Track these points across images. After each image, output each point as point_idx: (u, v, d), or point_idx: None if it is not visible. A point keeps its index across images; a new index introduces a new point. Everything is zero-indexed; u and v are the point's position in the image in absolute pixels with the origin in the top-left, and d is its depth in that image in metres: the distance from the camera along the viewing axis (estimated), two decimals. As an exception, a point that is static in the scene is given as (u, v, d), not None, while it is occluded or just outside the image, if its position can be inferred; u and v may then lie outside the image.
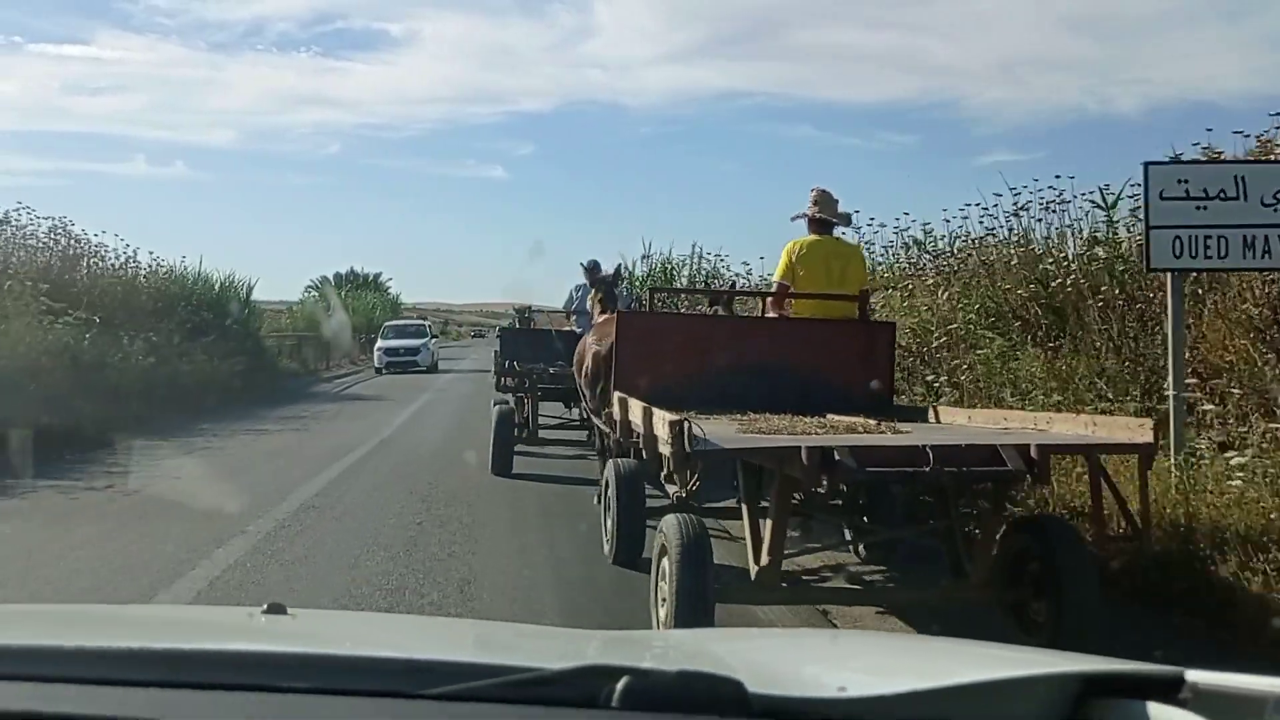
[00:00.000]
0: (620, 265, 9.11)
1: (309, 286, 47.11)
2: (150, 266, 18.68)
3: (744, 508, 4.30)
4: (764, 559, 3.91)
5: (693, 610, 3.63)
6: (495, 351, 10.88)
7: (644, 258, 21.78)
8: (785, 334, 5.93)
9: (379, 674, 1.22)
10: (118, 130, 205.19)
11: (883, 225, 11.63)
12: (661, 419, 3.97)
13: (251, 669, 1.24)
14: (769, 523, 3.94)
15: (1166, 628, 4.24)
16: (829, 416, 4.84)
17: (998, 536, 4.14)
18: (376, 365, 27.75)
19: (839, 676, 1.26)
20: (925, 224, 11.10)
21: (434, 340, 30.75)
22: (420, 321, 34.55)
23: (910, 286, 10.21)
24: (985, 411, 5.38)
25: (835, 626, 4.40)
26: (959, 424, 5.04)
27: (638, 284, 22.05)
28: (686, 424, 3.60)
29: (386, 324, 32.44)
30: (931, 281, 10.28)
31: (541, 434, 9.77)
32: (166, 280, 19.06)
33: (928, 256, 11.27)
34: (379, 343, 28.99)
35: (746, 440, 4.04)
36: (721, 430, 4.15)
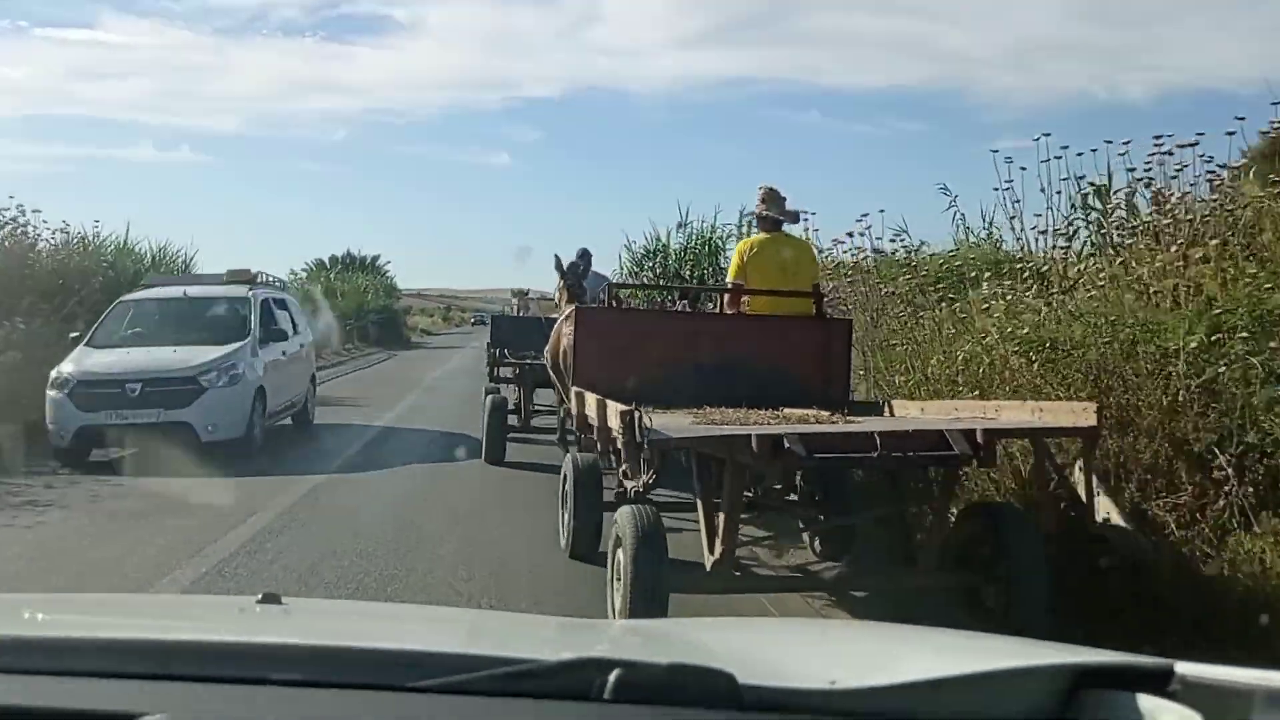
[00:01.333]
0: (589, 254, 9.08)
1: (293, 271, 42.69)
2: (52, 234, 14.44)
3: (699, 500, 4.27)
4: (718, 549, 3.93)
5: (646, 600, 3.63)
6: (487, 341, 10.69)
7: (680, 226, 17.62)
8: (743, 331, 5.98)
9: (371, 666, 1.19)
10: (124, 116, 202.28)
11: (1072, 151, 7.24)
12: (614, 409, 4.00)
13: (243, 661, 1.20)
14: (722, 514, 3.93)
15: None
16: (784, 411, 4.75)
17: (949, 523, 4.21)
18: (52, 429, 9.25)
19: (829, 668, 1.24)
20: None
21: (298, 346, 11.84)
22: (219, 291, 11.06)
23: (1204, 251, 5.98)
24: (937, 403, 5.34)
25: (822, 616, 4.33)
26: (912, 416, 5.06)
27: (672, 259, 18.02)
28: (637, 413, 3.60)
29: (121, 299, 11.07)
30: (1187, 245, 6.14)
31: (534, 422, 9.73)
32: (76, 252, 14.93)
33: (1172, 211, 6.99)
34: (64, 365, 9.63)
35: (698, 430, 4.08)
36: (676, 422, 4.20)
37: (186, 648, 1.29)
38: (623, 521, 3.90)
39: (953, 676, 1.18)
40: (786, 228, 6.43)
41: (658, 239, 17.66)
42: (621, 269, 19.26)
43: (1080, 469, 4.19)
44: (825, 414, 4.71)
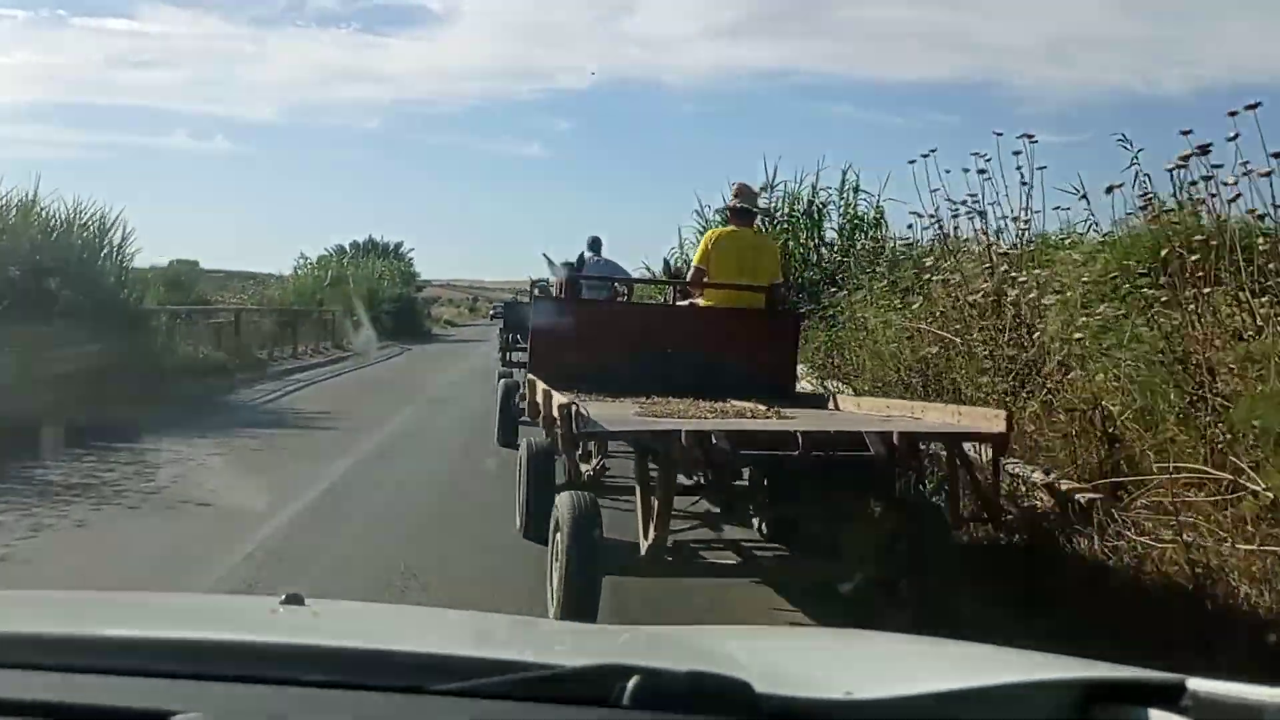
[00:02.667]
0: (600, 241, 9.10)
1: (303, 255, 38.75)
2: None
3: (636, 485, 4.34)
4: (651, 534, 3.96)
5: (579, 582, 3.72)
6: (499, 329, 11.23)
7: (764, 189, 13.29)
8: (696, 322, 6.18)
9: (395, 668, 1.20)
10: (160, 104, 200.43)
11: None
12: (556, 400, 4.13)
13: (271, 662, 1.21)
14: (656, 500, 3.97)
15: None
16: (730, 402, 4.89)
17: (871, 517, 4.31)
18: None
19: (847, 678, 1.25)
20: None
21: None
22: None
23: None
24: (872, 400, 5.55)
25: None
26: (848, 411, 5.25)
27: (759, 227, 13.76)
28: (575, 406, 3.72)
29: None
30: None
31: None
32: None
33: None
34: None
35: (632, 423, 4.17)
36: (620, 412, 4.41)
37: (220, 647, 1.27)
38: (561, 506, 3.93)
39: (967, 689, 1.17)
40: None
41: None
42: (681, 246, 15.19)
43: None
44: (762, 408, 4.71)
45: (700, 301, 6.42)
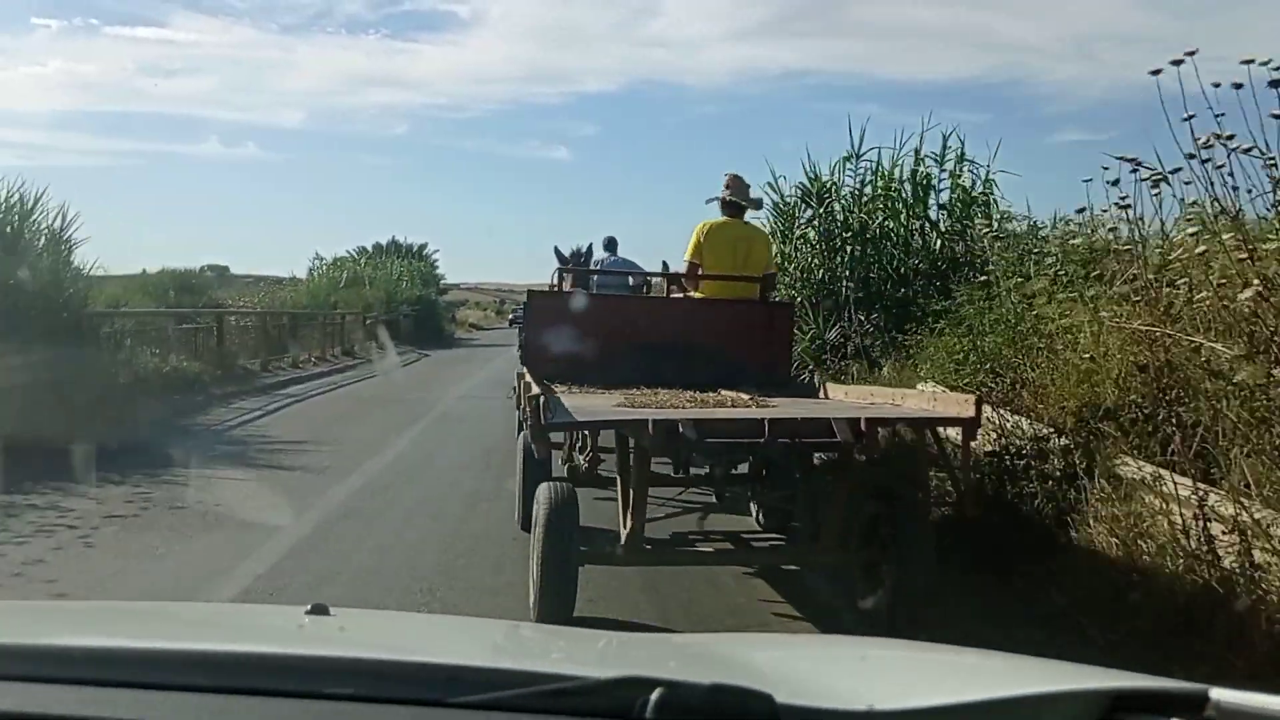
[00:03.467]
0: (615, 241, 9.05)
1: (318, 255, 36.58)
2: None
3: (618, 476, 4.39)
4: (629, 523, 3.98)
5: (556, 571, 3.79)
6: (519, 326, 11.09)
7: (849, 159, 10.70)
8: (689, 313, 6.08)
9: (417, 681, 1.17)
10: (191, 111, 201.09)
11: None
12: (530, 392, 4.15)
13: (292, 674, 1.17)
14: (631, 490, 4.00)
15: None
16: (721, 392, 4.81)
17: (845, 502, 4.22)
18: None
19: (868, 689, 1.21)
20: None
21: None
22: None
23: None
24: (859, 388, 5.55)
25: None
26: (835, 399, 5.20)
27: (840, 205, 11.21)
28: (541, 398, 3.73)
29: None
30: None
31: None
32: None
33: None
34: None
35: (601, 413, 4.09)
36: (601, 404, 4.31)
37: (243, 660, 1.24)
38: (539, 496, 3.96)
39: (989, 700, 1.16)
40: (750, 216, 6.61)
41: (816, 178, 10.78)
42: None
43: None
44: (744, 397, 4.64)
45: (694, 294, 6.38)
